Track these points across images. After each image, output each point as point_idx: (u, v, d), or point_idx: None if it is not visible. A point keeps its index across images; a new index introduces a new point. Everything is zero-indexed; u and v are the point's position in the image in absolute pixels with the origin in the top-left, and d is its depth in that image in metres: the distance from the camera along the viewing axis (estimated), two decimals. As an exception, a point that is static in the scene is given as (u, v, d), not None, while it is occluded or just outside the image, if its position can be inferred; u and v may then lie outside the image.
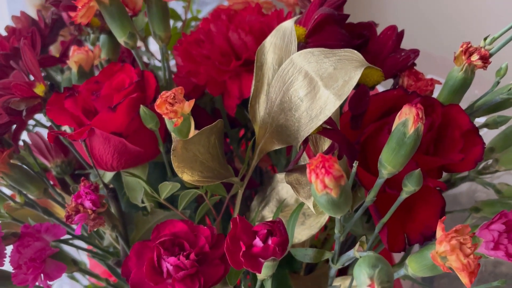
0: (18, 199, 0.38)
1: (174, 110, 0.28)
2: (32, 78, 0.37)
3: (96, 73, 0.41)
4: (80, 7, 0.31)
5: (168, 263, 0.29)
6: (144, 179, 0.35)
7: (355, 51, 0.26)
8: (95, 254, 0.41)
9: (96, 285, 0.53)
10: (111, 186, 0.36)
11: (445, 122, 0.32)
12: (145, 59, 0.49)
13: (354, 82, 0.24)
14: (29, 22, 0.46)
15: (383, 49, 0.36)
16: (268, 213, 0.38)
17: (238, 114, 0.42)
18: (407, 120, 0.26)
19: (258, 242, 0.27)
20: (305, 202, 0.27)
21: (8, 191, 0.49)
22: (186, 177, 0.29)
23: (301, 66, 0.27)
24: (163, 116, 0.29)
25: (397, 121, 0.26)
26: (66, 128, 0.41)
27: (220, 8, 0.45)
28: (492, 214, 0.39)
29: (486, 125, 0.35)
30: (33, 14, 0.94)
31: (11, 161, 0.35)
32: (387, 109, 0.33)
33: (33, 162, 0.38)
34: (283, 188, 0.36)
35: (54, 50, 0.56)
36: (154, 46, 0.44)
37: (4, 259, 0.34)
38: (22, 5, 0.97)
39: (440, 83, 0.35)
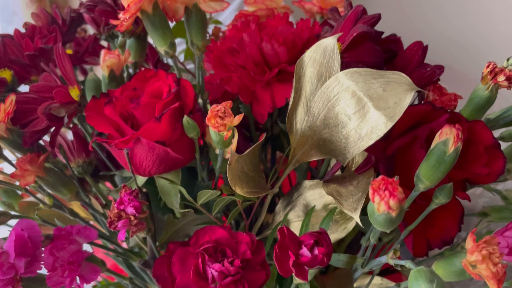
0: (47, 201, 0.38)
1: (224, 123, 0.30)
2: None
3: (124, 75, 0.41)
4: (127, 17, 0.31)
5: (213, 270, 0.30)
6: (178, 184, 0.36)
7: (403, 74, 0.27)
8: (119, 254, 0.42)
9: (109, 281, 0.54)
10: (144, 190, 0.37)
11: (470, 137, 0.34)
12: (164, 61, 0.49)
13: (405, 105, 0.26)
14: (48, 20, 0.45)
15: (409, 64, 0.37)
16: (294, 217, 0.39)
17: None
18: (448, 139, 0.28)
19: (305, 251, 0.28)
20: (351, 215, 0.29)
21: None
22: (238, 190, 0.30)
23: (348, 85, 0.29)
24: (212, 129, 0.30)
25: (437, 140, 0.28)
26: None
27: (244, 13, 0.46)
28: (500, 219, 0.42)
29: (501, 138, 0.38)
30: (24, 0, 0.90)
31: (46, 165, 0.35)
32: (414, 122, 0.35)
33: (64, 164, 0.38)
34: (311, 194, 0.37)
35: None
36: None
37: (42, 262, 0.34)
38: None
39: (462, 98, 0.37)
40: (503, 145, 0.40)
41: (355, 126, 0.28)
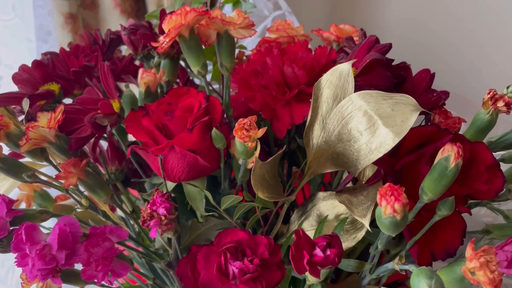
0: (83, 202, 0.42)
1: (249, 135, 0.33)
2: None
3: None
4: (167, 40, 0.35)
5: (234, 267, 0.34)
6: (204, 190, 0.40)
7: (409, 96, 0.31)
8: (145, 255, 0.45)
9: (131, 284, 0.57)
10: (172, 195, 0.40)
11: (472, 156, 0.37)
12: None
13: (411, 123, 0.30)
14: (90, 40, 0.50)
15: (417, 89, 0.41)
16: (308, 226, 0.43)
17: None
18: (450, 156, 0.31)
19: (318, 252, 0.31)
20: (361, 221, 0.32)
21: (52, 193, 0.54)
22: (260, 193, 0.33)
23: (360, 104, 0.33)
24: (239, 140, 0.34)
25: (440, 156, 0.32)
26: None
27: (267, 40, 0.51)
28: (501, 236, 0.45)
29: (502, 159, 0.41)
30: (58, 20, 0.97)
31: (87, 169, 0.39)
32: (421, 142, 0.39)
33: (100, 171, 0.42)
34: (324, 205, 0.41)
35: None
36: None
37: (79, 257, 0.38)
38: (48, 11, 1.01)
39: (465, 121, 0.41)
40: (505, 166, 0.43)
41: (366, 141, 0.32)
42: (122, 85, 0.57)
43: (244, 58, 0.55)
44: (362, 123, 0.32)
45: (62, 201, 0.54)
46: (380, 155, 0.31)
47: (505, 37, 0.91)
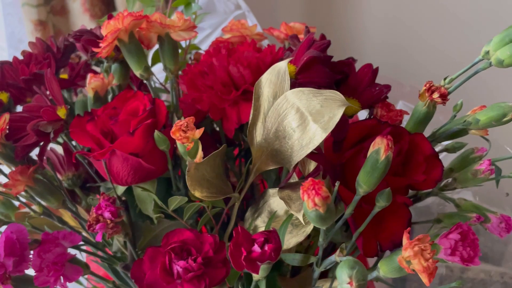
0: (36, 209, 0.42)
1: (186, 136, 0.34)
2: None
3: (108, 96, 0.46)
4: (105, 45, 0.36)
5: (178, 266, 0.34)
6: (154, 193, 0.40)
7: (338, 92, 0.32)
8: (103, 259, 0.46)
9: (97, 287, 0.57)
10: (123, 198, 0.41)
11: (411, 148, 0.38)
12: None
13: (337, 118, 0.30)
14: (44, 47, 0.50)
15: (360, 84, 0.42)
16: (260, 223, 0.43)
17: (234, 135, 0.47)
18: (380, 149, 0.32)
19: (256, 248, 0.32)
20: (296, 215, 0.33)
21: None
22: (197, 193, 0.34)
23: (294, 102, 0.33)
24: (177, 141, 0.35)
25: (372, 149, 0.32)
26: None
27: (219, 40, 0.51)
28: (451, 225, 0.46)
29: (446, 149, 0.42)
30: (28, 28, 0.97)
31: (35, 175, 0.40)
32: (363, 135, 0.39)
33: (53, 176, 0.43)
34: (274, 201, 0.41)
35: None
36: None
37: (29, 263, 0.38)
38: (18, 19, 1.01)
39: (408, 114, 0.42)
40: (451, 156, 0.44)
41: (298, 138, 0.32)
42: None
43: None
44: (295, 120, 0.33)
45: (25, 209, 0.55)
46: (309, 150, 0.31)
47: (485, 34, 0.92)
